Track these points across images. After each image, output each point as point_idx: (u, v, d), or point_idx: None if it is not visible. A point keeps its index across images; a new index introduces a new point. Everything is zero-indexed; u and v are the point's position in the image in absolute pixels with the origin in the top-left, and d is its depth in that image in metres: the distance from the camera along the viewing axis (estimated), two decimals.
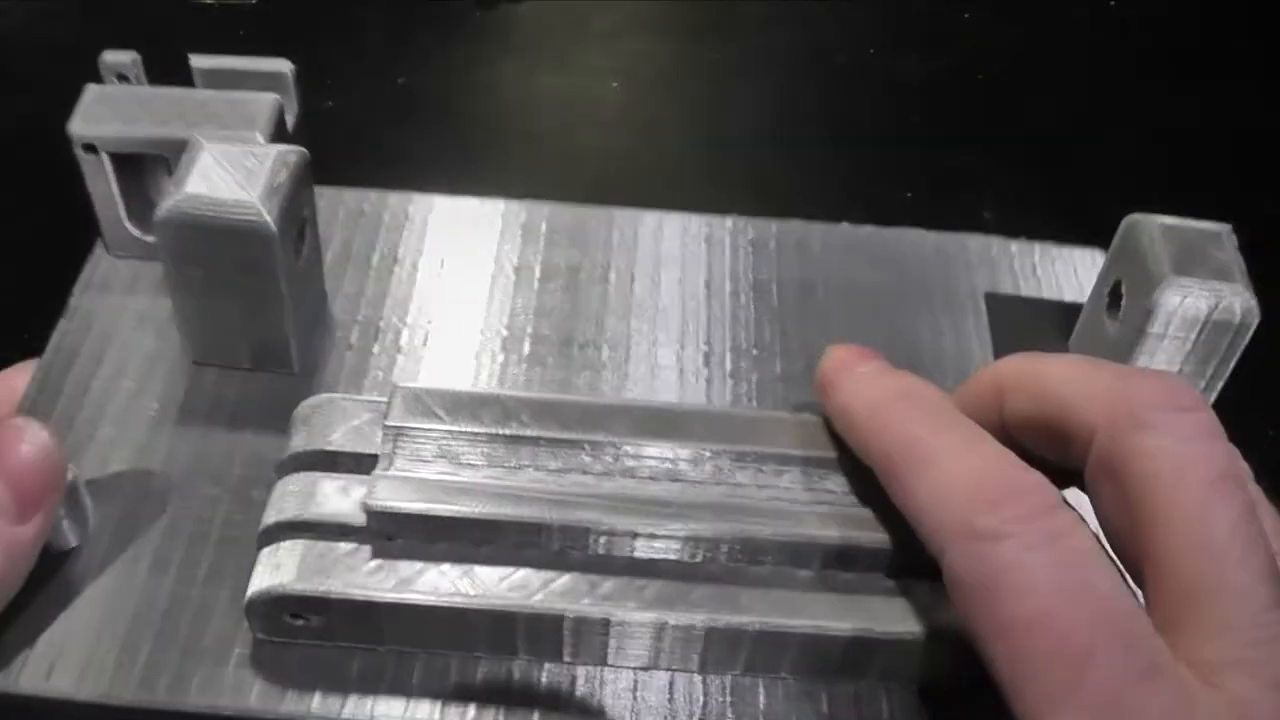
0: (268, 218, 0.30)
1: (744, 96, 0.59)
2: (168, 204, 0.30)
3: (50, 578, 0.30)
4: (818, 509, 0.29)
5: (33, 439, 0.28)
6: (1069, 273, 0.39)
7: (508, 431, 0.29)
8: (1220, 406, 0.39)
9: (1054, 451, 0.26)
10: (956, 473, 0.25)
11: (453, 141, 0.57)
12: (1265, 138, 0.55)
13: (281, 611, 0.28)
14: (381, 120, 0.58)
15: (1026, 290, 0.38)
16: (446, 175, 0.55)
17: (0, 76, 0.61)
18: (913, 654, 0.28)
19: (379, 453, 0.29)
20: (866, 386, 0.29)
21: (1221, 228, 0.35)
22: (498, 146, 0.57)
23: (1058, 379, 0.26)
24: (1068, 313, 0.36)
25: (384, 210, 0.40)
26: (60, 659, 0.29)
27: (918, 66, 0.60)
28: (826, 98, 0.59)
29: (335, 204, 0.39)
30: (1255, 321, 0.33)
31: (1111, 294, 0.34)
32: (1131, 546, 0.25)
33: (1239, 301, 0.33)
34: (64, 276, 0.49)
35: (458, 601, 0.28)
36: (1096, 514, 0.26)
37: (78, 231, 0.43)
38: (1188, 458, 0.24)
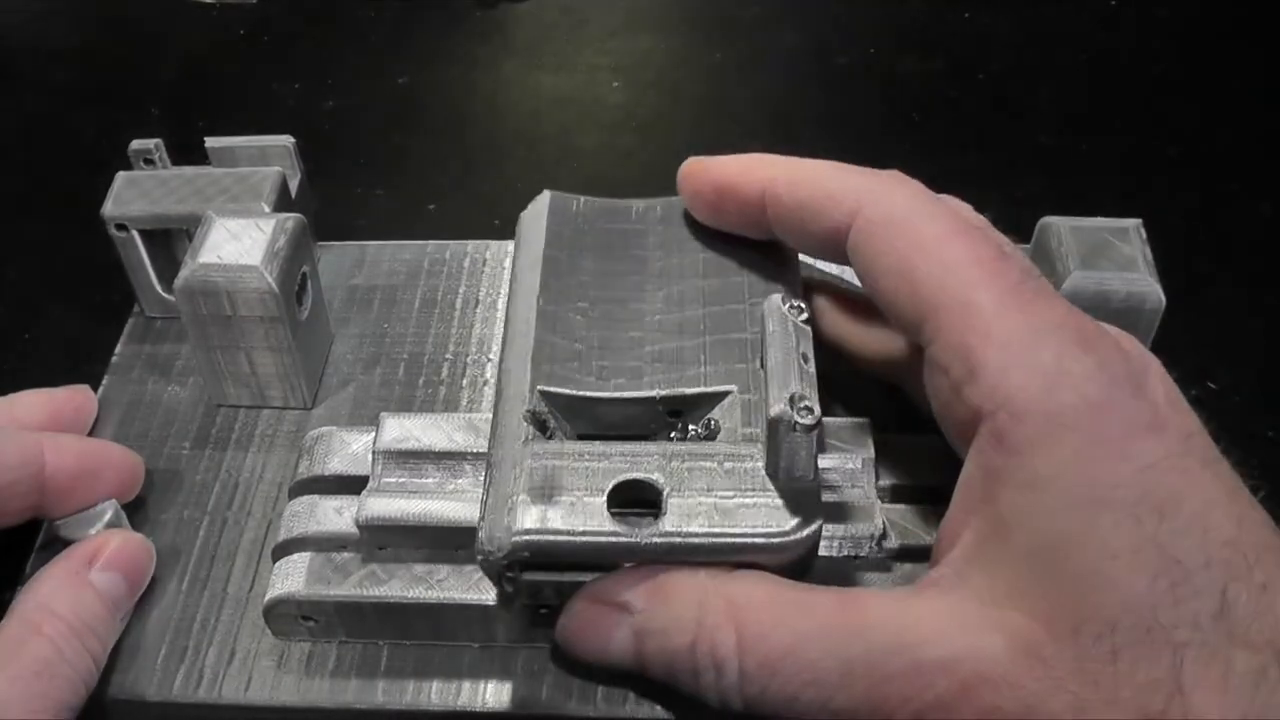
0: (270, 280, 0.35)
1: (744, 96, 0.59)
2: (184, 274, 0.36)
3: None
4: None
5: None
6: None
7: (476, 449, 0.33)
8: (1222, 408, 0.39)
9: (811, 235, 0.31)
10: None
11: (453, 141, 0.57)
12: (1265, 138, 0.55)
13: (293, 615, 0.32)
14: (381, 120, 0.58)
15: None
16: (447, 176, 0.55)
17: (0, 76, 0.61)
18: None
19: (369, 474, 0.33)
20: None
21: (1131, 223, 0.36)
22: (498, 146, 0.57)
23: (821, 171, 0.32)
24: None
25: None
26: (119, 666, 0.33)
27: (918, 66, 0.60)
28: (827, 98, 0.59)
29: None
30: (1160, 306, 0.34)
31: None
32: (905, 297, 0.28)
33: (1142, 288, 0.34)
34: (64, 275, 0.49)
35: (436, 599, 0.32)
36: (862, 280, 0.30)
37: (78, 231, 0.43)
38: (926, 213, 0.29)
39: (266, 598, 0.32)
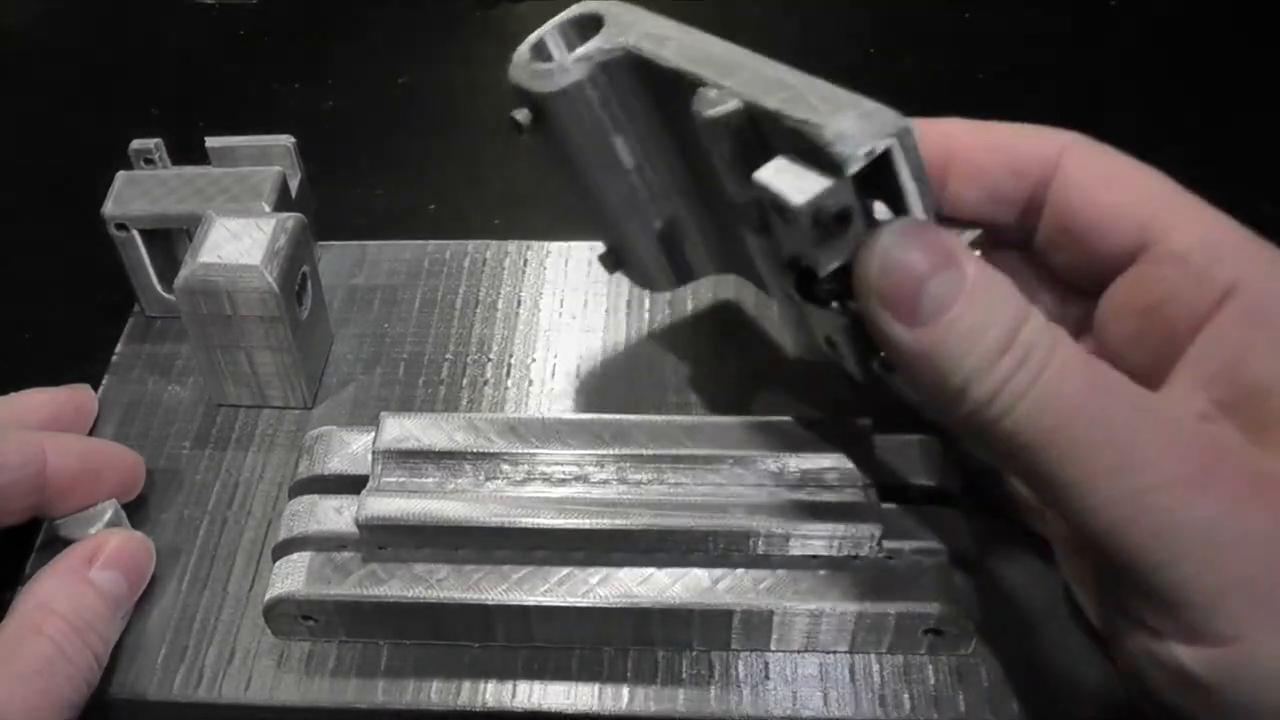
0: (270, 279, 0.35)
1: None
2: (184, 273, 0.36)
3: None
4: (744, 499, 0.32)
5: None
6: None
7: (476, 449, 0.33)
8: None
9: (1012, 179, 0.31)
10: None
11: (453, 141, 0.57)
12: (1265, 138, 0.55)
13: (293, 615, 0.33)
14: (382, 120, 0.58)
15: None
16: (447, 176, 0.55)
17: (0, 76, 0.61)
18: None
19: (369, 474, 0.33)
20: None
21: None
22: (498, 146, 0.57)
23: (1005, 131, 0.31)
24: None
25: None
26: (119, 666, 0.33)
27: (918, 66, 0.60)
28: None
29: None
30: None
31: None
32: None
33: None
34: (64, 275, 0.49)
35: (436, 598, 0.32)
36: (1064, 204, 0.30)
37: (78, 231, 0.43)
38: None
39: (266, 597, 0.32)
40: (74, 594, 0.32)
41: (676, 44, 0.30)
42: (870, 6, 0.63)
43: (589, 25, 0.31)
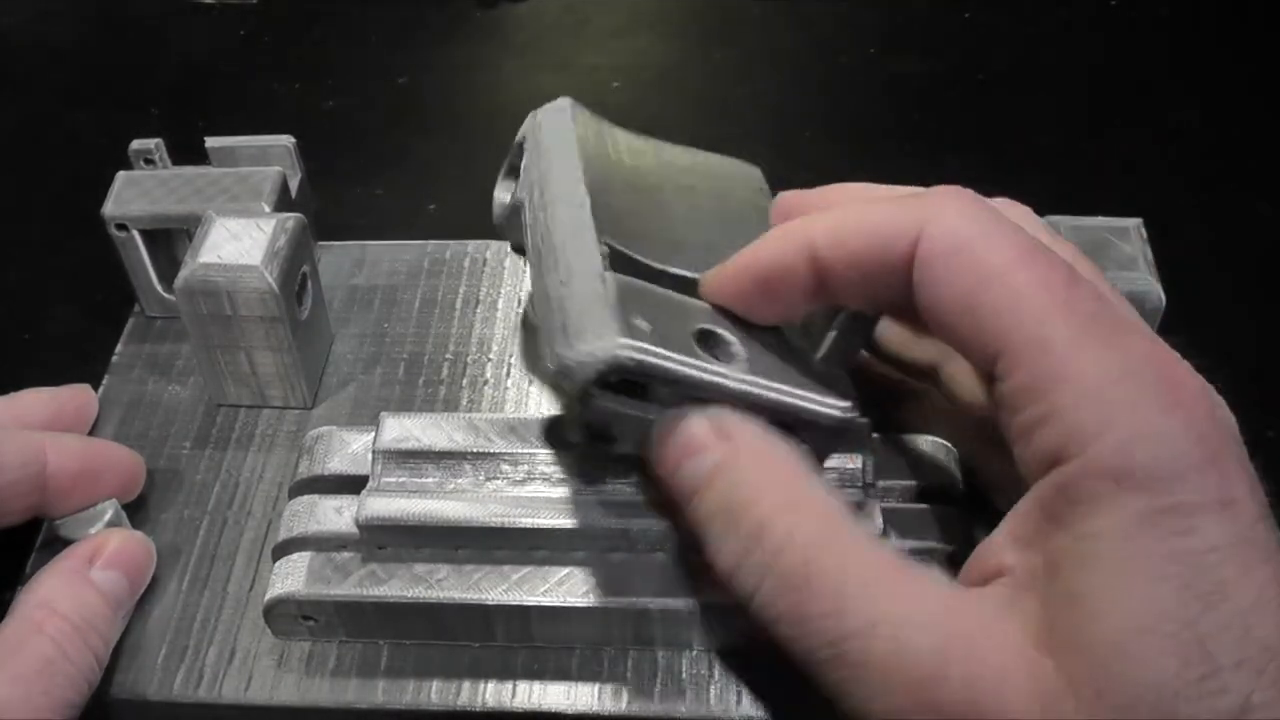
0: (270, 279, 0.35)
1: (744, 96, 0.59)
2: (184, 273, 0.36)
3: None
4: None
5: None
6: None
7: (477, 448, 0.33)
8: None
9: (877, 286, 0.28)
10: None
11: (453, 141, 0.57)
12: (1265, 138, 0.55)
13: (293, 615, 0.32)
14: (381, 120, 0.58)
15: None
16: (447, 176, 0.55)
17: (0, 76, 0.61)
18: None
19: (369, 474, 0.33)
20: None
21: (1131, 222, 0.36)
22: (498, 146, 0.57)
23: (864, 213, 0.28)
24: None
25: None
26: (119, 666, 0.33)
27: (918, 66, 0.60)
28: (827, 98, 0.59)
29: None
30: (1160, 305, 0.34)
31: None
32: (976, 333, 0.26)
33: (1142, 288, 0.35)
34: (64, 275, 0.49)
35: (436, 598, 0.32)
36: (927, 316, 0.27)
37: (78, 231, 0.43)
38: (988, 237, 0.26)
39: (267, 597, 0.32)
40: (75, 594, 0.32)
41: (553, 211, 0.31)
42: (871, 6, 0.63)
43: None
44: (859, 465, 0.33)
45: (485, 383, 0.40)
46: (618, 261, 0.30)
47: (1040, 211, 0.37)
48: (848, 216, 0.28)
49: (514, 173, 0.34)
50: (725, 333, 0.29)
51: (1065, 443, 0.25)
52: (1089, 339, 0.25)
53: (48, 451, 0.33)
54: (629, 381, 0.28)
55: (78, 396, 0.38)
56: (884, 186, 0.32)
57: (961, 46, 0.61)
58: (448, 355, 0.41)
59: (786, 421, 0.29)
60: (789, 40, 0.62)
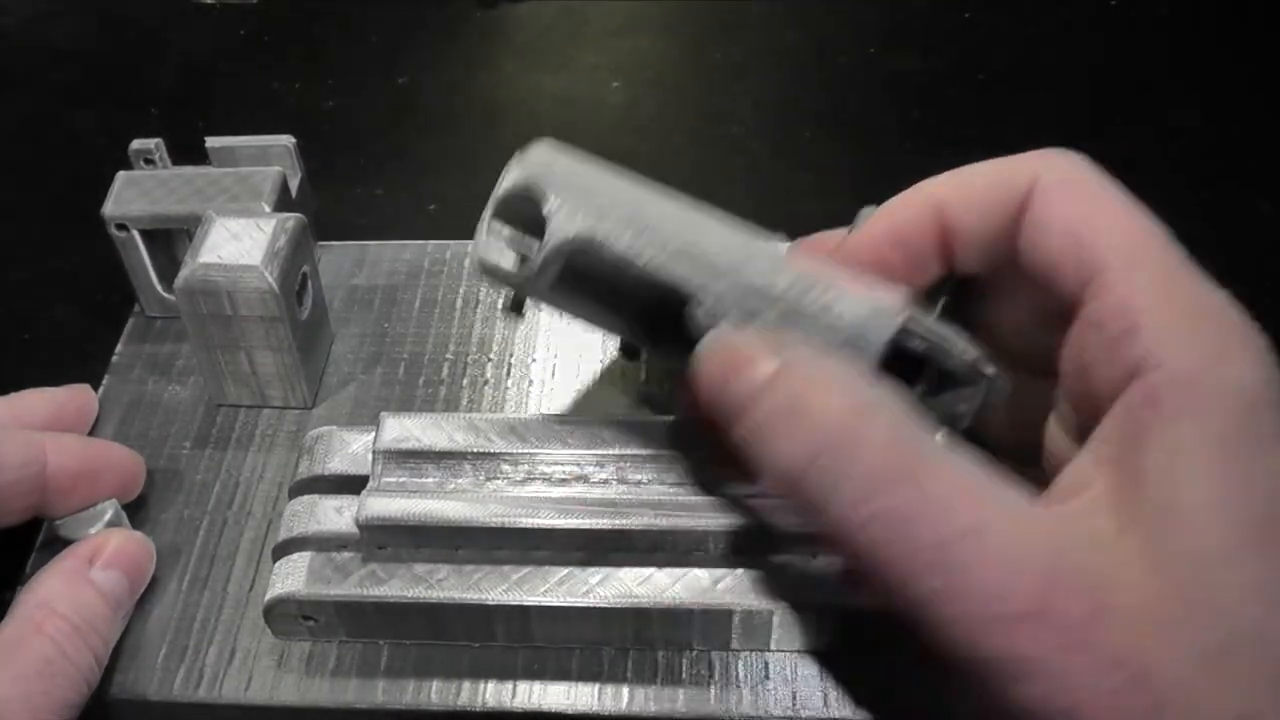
0: (270, 279, 0.35)
1: (744, 96, 0.59)
2: (185, 273, 0.36)
3: None
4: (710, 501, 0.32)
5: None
6: None
7: (477, 448, 0.33)
8: None
9: (994, 233, 0.29)
10: None
11: (453, 141, 0.57)
12: (1265, 138, 0.55)
13: (294, 615, 0.33)
14: (381, 120, 0.58)
15: None
16: (447, 176, 0.55)
17: (0, 76, 0.61)
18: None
19: (369, 474, 0.33)
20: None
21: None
22: (498, 146, 0.57)
23: (985, 167, 0.30)
24: None
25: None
26: (119, 666, 0.33)
27: (918, 66, 0.60)
28: (827, 98, 0.59)
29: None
30: None
31: None
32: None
33: None
34: (64, 275, 0.49)
35: (436, 598, 0.32)
36: (1026, 248, 0.28)
37: (78, 231, 0.43)
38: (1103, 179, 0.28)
39: (267, 597, 0.32)
40: (75, 594, 0.32)
41: (618, 216, 0.30)
42: (871, 6, 0.63)
43: (527, 202, 0.30)
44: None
45: (485, 383, 0.40)
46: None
47: None
48: (969, 169, 0.30)
49: (520, 223, 0.32)
50: None
51: (1151, 354, 0.25)
52: (1180, 278, 0.26)
53: (48, 451, 0.33)
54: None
55: (78, 397, 0.38)
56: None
57: (961, 45, 0.61)
58: (448, 355, 0.41)
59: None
60: (789, 40, 0.62)
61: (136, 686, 0.33)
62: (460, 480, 0.33)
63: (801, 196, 0.53)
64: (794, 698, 0.32)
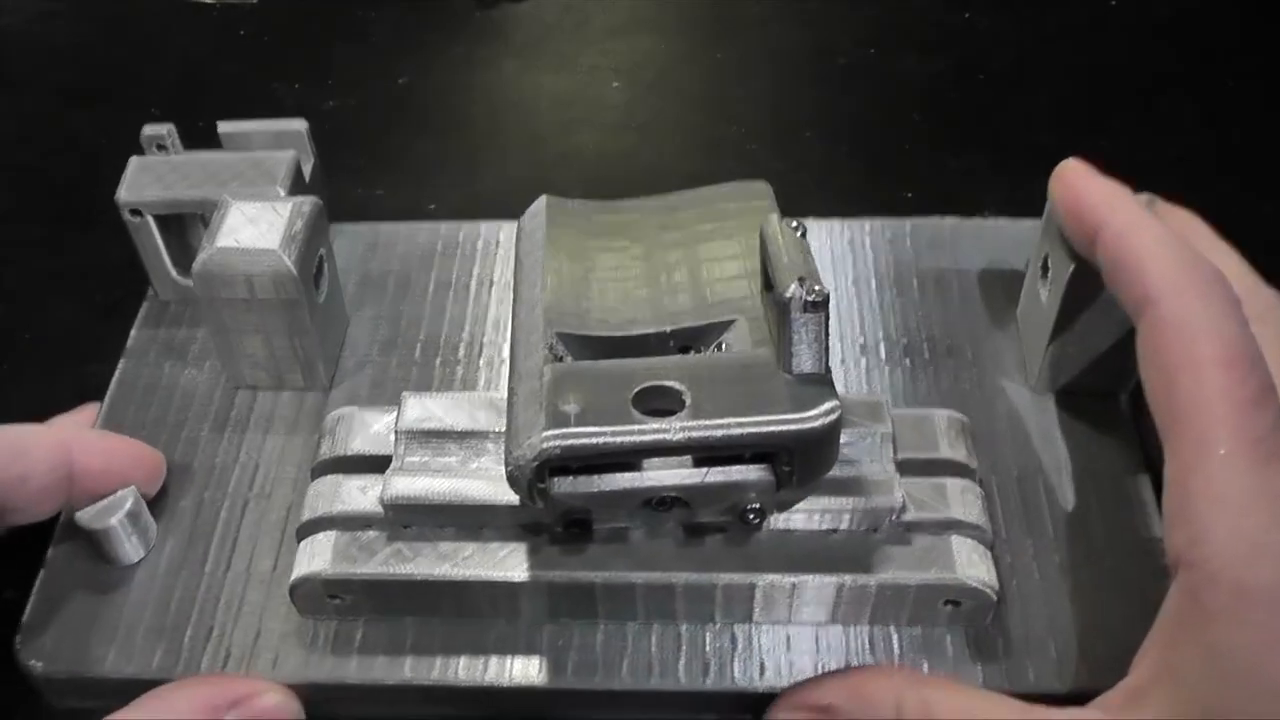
0: (288, 263, 0.35)
1: (744, 96, 0.59)
2: (202, 257, 0.36)
3: (125, 583, 0.35)
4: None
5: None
6: None
7: (499, 428, 0.33)
8: None
9: (1112, 284, 0.32)
10: None
11: (453, 141, 0.57)
12: (1265, 138, 0.55)
13: (319, 593, 0.33)
14: (382, 120, 0.58)
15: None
16: (447, 176, 0.55)
17: (0, 77, 0.61)
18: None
19: (392, 454, 0.33)
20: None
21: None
22: (498, 146, 0.57)
23: (1143, 242, 0.31)
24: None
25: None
26: (145, 648, 0.33)
27: (918, 66, 0.60)
28: (827, 98, 0.59)
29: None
30: None
31: (1043, 265, 0.37)
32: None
33: None
34: (63, 275, 0.50)
35: (462, 576, 0.32)
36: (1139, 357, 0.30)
37: (78, 231, 0.43)
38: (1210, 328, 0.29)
39: (293, 576, 0.32)
40: None
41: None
42: (871, 6, 0.63)
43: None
44: (876, 440, 0.32)
45: (503, 362, 0.40)
46: (572, 345, 0.31)
47: (1040, 212, 0.37)
48: (1136, 229, 0.32)
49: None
50: (673, 383, 0.29)
51: (1192, 548, 0.26)
52: (1246, 458, 0.26)
53: (73, 451, 0.34)
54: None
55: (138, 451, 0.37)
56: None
57: (961, 46, 0.61)
58: (464, 336, 0.41)
59: (761, 453, 0.29)
60: (789, 40, 0.62)
61: (163, 668, 0.33)
62: (483, 459, 0.33)
63: (802, 196, 0.53)
64: (816, 669, 0.32)
